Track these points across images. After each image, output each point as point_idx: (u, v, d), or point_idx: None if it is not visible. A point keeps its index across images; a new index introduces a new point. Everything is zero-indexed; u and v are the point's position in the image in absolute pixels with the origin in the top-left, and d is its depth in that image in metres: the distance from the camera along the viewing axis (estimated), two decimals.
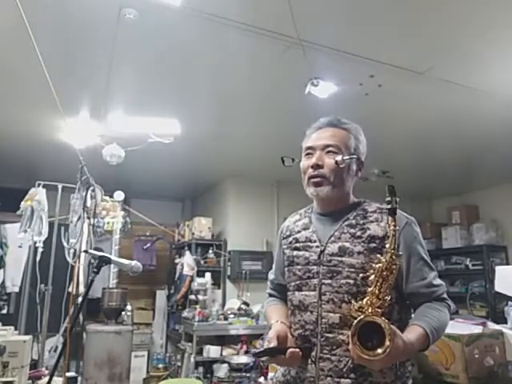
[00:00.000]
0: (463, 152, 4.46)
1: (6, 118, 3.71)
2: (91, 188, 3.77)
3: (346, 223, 1.25)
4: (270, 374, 3.39)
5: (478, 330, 2.10)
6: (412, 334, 1.09)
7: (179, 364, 4.89)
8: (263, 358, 1.16)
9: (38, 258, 3.72)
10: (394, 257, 1.08)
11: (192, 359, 4.30)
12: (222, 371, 4.21)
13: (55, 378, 2.82)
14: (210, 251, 5.25)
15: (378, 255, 1.12)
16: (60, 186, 3.96)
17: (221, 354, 4.37)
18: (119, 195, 4.48)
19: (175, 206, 6.78)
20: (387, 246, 1.10)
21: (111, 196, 4.40)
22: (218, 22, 2.32)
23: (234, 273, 5.14)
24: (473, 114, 3.52)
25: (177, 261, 5.55)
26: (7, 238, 4.40)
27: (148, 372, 5.07)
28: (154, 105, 3.40)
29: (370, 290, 1.09)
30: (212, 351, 4.34)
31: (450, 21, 2.35)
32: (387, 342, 0.98)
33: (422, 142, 4.19)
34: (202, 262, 5.19)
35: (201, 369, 4.34)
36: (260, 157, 4.71)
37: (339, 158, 1.24)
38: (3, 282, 4.33)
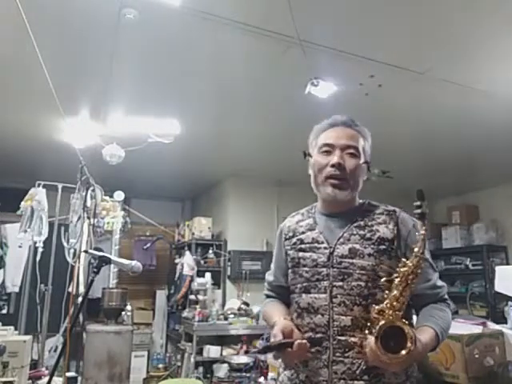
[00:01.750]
0: (463, 152, 4.46)
1: (6, 117, 3.71)
2: (91, 188, 3.78)
3: (355, 224, 1.24)
4: (270, 374, 3.39)
5: (478, 329, 2.09)
6: (425, 335, 1.10)
7: (179, 364, 4.89)
8: (269, 355, 1.11)
9: (38, 258, 3.72)
10: (420, 261, 1.09)
11: (192, 359, 4.30)
12: (222, 371, 4.21)
13: (55, 378, 2.82)
14: (210, 251, 5.25)
15: (404, 259, 1.11)
16: (60, 186, 3.96)
17: (221, 354, 4.37)
18: (119, 195, 4.48)
19: (175, 206, 6.78)
20: (416, 249, 1.10)
21: (111, 196, 4.40)
22: (218, 22, 2.32)
23: (234, 273, 5.14)
24: (473, 114, 3.52)
25: (177, 261, 5.54)
26: (7, 238, 4.39)
27: (148, 372, 5.07)
28: (154, 105, 3.40)
29: (392, 293, 1.08)
30: (212, 351, 4.34)
31: (450, 21, 2.35)
32: (409, 344, 0.99)
33: (422, 141, 4.19)
34: (202, 262, 5.18)
35: (201, 369, 4.34)
36: (260, 157, 4.71)
37: (361, 161, 1.27)
38: (3, 281, 4.32)
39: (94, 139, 3.88)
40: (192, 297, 4.75)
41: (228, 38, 2.49)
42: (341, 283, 1.18)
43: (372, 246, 1.19)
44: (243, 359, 4.21)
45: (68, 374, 3.40)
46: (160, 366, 5.18)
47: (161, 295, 5.90)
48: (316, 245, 1.26)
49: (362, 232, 1.21)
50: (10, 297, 4.44)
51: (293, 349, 1.10)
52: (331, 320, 1.17)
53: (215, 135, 4.13)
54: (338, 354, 1.15)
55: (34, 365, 3.39)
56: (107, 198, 4.27)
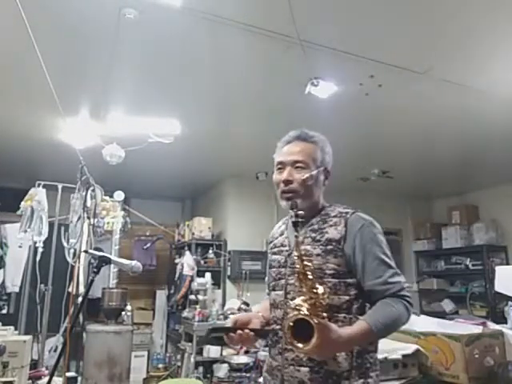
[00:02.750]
0: (463, 152, 4.46)
1: (6, 118, 3.71)
2: (91, 188, 3.78)
3: (310, 228, 1.37)
4: None
5: (478, 330, 2.10)
6: (353, 328, 1.19)
7: (179, 364, 4.89)
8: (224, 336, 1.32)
9: (38, 258, 3.72)
10: (302, 262, 1.17)
11: (192, 359, 4.30)
12: (222, 371, 4.21)
13: (55, 378, 2.82)
14: (210, 251, 5.25)
15: (297, 260, 1.19)
16: (60, 186, 3.96)
17: (221, 354, 4.36)
18: (119, 195, 4.48)
19: (175, 206, 6.78)
20: (294, 253, 1.20)
21: (111, 196, 4.40)
22: (218, 21, 2.32)
23: (233, 273, 5.14)
24: (473, 114, 3.52)
25: (177, 261, 5.54)
26: (7, 238, 4.40)
27: (148, 372, 5.07)
28: (154, 105, 3.40)
29: (297, 290, 1.19)
30: (212, 351, 4.34)
31: (450, 21, 2.35)
32: (313, 339, 1.08)
33: (422, 141, 4.19)
34: (202, 262, 5.18)
35: (201, 369, 4.33)
36: (260, 157, 4.70)
37: (307, 175, 1.36)
38: (3, 281, 4.33)
39: (94, 139, 3.88)
40: (192, 297, 4.75)
41: (228, 37, 2.49)
42: (293, 281, 1.31)
43: (320, 247, 1.30)
44: (243, 359, 4.20)
45: (68, 374, 3.40)
46: (160, 365, 5.17)
47: (161, 295, 5.90)
48: (281, 248, 1.44)
49: (313, 234, 1.34)
50: (10, 297, 4.44)
51: (233, 334, 1.28)
52: (285, 314, 1.31)
53: (215, 135, 4.12)
54: (289, 344, 1.25)
55: (34, 365, 3.39)
56: (107, 198, 4.27)
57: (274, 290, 1.41)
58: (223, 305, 4.99)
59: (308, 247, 1.31)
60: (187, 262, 4.92)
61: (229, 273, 5.20)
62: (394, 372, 1.96)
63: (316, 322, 1.09)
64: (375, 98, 3.22)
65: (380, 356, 1.91)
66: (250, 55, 2.70)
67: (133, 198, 5.97)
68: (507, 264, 5.41)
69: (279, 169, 1.42)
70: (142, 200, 6.12)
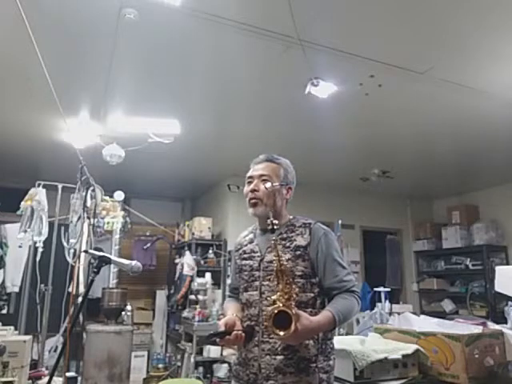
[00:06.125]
0: (463, 152, 4.46)
1: (7, 118, 3.71)
2: (91, 188, 3.77)
3: (280, 236, 1.56)
4: None
5: (478, 330, 2.09)
6: (320, 316, 1.41)
7: (179, 364, 4.89)
8: (217, 340, 1.46)
9: (38, 258, 3.72)
10: (279, 262, 1.39)
11: (192, 359, 4.30)
12: (222, 371, 4.21)
13: (55, 378, 2.82)
14: (210, 251, 5.25)
15: (276, 260, 1.39)
16: (60, 186, 3.96)
17: (221, 354, 4.37)
18: (119, 195, 4.48)
19: (175, 206, 6.78)
20: (273, 253, 1.41)
21: (111, 196, 4.40)
22: (218, 21, 2.32)
23: None
24: (473, 114, 3.52)
25: (177, 261, 5.54)
26: (7, 238, 4.39)
27: (148, 372, 5.07)
28: (154, 105, 3.40)
29: (276, 288, 1.39)
30: (212, 351, 4.34)
31: (450, 21, 2.35)
32: (291, 326, 1.29)
33: (422, 141, 4.19)
34: (202, 262, 5.18)
35: (201, 369, 4.34)
36: None
37: (268, 184, 1.59)
38: (3, 281, 4.32)
39: (94, 139, 3.88)
40: (192, 297, 4.75)
41: (228, 37, 2.49)
42: (267, 282, 1.52)
43: (290, 252, 1.52)
44: None
45: (68, 374, 3.40)
46: (160, 366, 5.17)
47: (161, 295, 5.90)
48: (252, 254, 1.62)
49: (283, 242, 1.55)
50: (10, 297, 4.44)
51: (230, 337, 1.44)
52: (260, 311, 1.51)
53: (215, 135, 4.12)
54: (265, 336, 1.48)
55: (34, 365, 3.39)
56: (107, 198, 4.27)
57: (246, 291, 1.58)
58: (223, 305, 4.98)
59: (279, 253, 1.45)
60: (187, 262, 4.92)
61: (229, 273, 5.20)
62: (394, 372, 1.96)
63: (294, 312, 1.30)
64: (375, 98, 3.23)
65: (380, 356, 1.92)
66: (249, 55, 2.70)
67: (133, 198, 5.97)
68: (507, 264, 5.41)
69: (249, 182, 1.65)
70: (142, 200, 6.13)
